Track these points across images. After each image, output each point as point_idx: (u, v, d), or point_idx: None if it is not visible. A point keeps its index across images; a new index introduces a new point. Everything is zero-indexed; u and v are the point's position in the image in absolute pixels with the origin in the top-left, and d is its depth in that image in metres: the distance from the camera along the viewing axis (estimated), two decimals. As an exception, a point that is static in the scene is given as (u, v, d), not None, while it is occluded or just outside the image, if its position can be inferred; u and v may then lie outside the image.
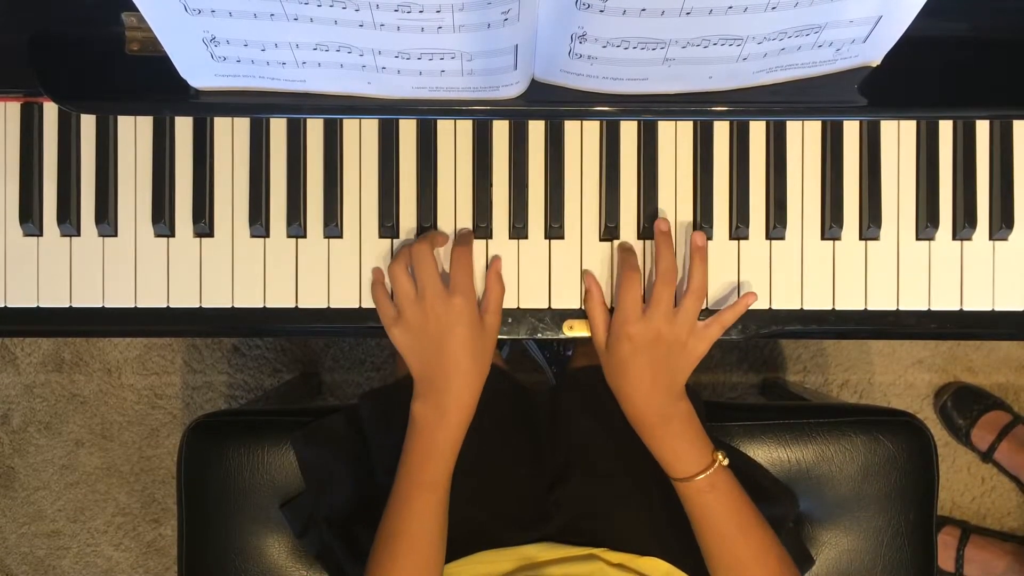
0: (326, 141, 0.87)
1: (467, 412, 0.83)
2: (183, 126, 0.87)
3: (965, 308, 0.89)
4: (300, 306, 0.88)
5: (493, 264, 0.86)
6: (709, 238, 0.88)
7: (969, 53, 0.85)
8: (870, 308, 0.88)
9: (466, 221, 0.88)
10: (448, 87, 0.80)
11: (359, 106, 0.82)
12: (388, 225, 0.87)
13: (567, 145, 0.88)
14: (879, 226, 0.88)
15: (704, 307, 0.88)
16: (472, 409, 0.83)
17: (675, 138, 0.88)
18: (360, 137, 0.88)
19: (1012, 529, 1.68)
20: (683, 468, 0.83)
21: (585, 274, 0.87)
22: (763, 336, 0.89)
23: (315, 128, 0.87)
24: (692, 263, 0.84)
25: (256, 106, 0.84)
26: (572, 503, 0.93)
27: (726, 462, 0.83)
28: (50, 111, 0.87)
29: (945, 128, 0.89)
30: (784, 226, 0.88)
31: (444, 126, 0.88)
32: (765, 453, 1.04)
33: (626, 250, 0.86)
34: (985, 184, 0.89)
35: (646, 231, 0.87)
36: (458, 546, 0.88)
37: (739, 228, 0.88)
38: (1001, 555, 1.57)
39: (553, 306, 0.88)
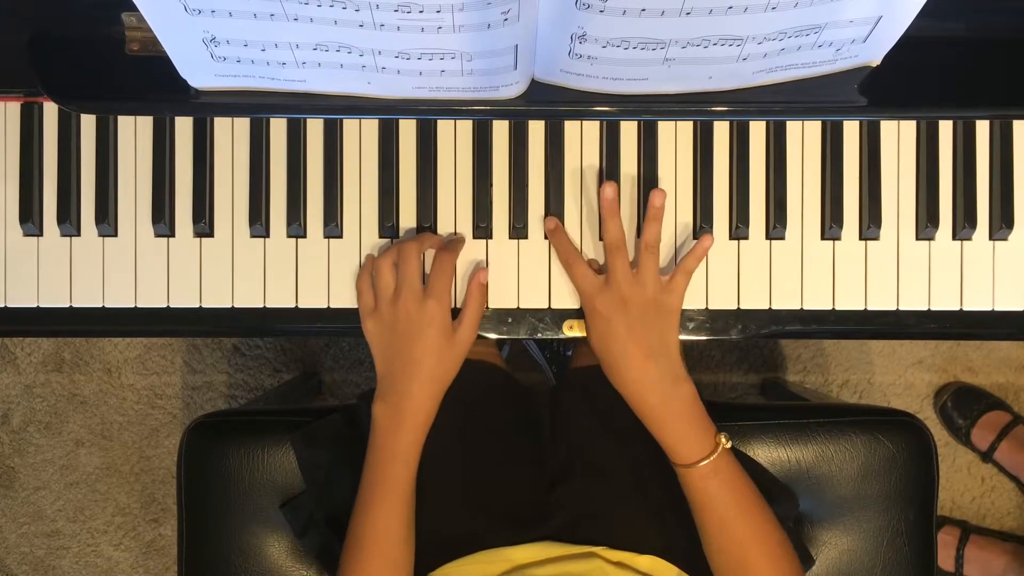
0: (326, 141, 0.87)
1: (424, 418, 0.83)
2: (183, 126, 0.87)
3: (965, 308, 0.89)
4: (300, 306, 0.88)
5: (476, 275, 0.85)
6: (709, 238, 0.88)
7: (969, 53, 0.85)
8: (870, 308, 0.88)
9: (466, 221, 0.88)
10: (448, 87, 0.80)
11: (359, 106, 0.83)
12: (388, 225, 0.87)
13: (567, 145, 0.88)
14: (879, 226, 0.88)
15: (704, 307, 0.88)
16: (430, 416, 0.83)
17: (675, 138, 0.88)
18: (360, 137, 0.88)
19: (1012, 529, 1.68)
20: (687, 453, 0.82)
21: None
22: (763, 336, 0.89)
23: (315, 128, 0.87)
24: (645, 223, 0.84)
25: (256, 106, 0.84)
26: (572, 502, 0.93)
27: (729, 445, 0.82)
28: (50, 111, 0.87)
29: (945, 128, 0.89)
30: (784, 226, 0.88)
31: (444, 126, 0.88)
32: (765, 453, 1.04)
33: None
34: (985, 184, 0.89)
35: (646, 231, 0.87)
36: (457, 547, 0.88)
37: (739, 228, 0.88)
38: (1000, 555, 1.57)
39: (553, 306, 0.88)
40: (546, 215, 0.88)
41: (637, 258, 0.84)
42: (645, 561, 0.88)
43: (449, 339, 0.82)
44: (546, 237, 0.88)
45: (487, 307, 0.87)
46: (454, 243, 0.85)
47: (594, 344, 0.84)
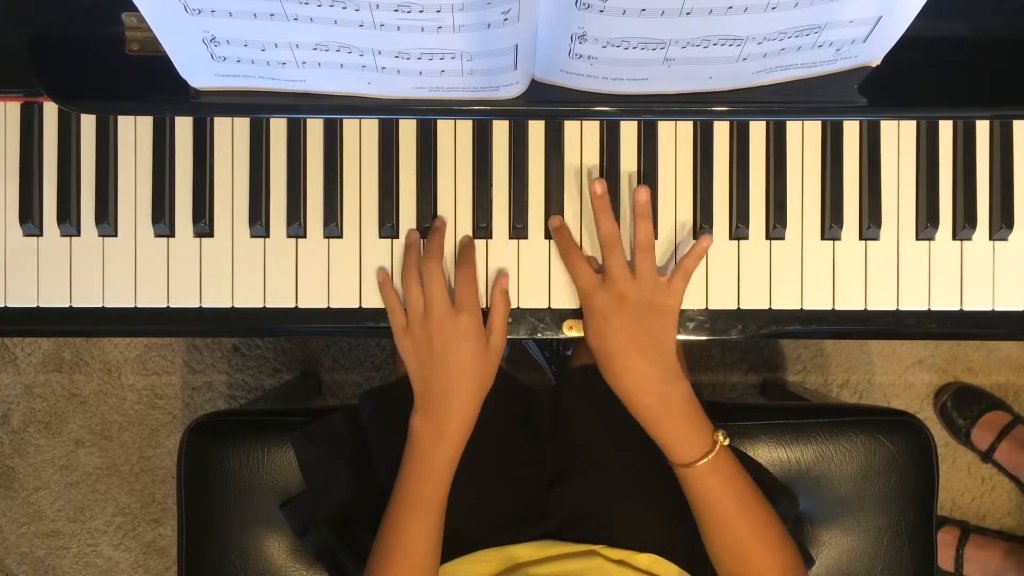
0: (326, 141, 0.87)
1: (465, 431, 0.84)
2: (183, 126, 0.87)
3: (965, 308, 0.89)
4: (300, 306, 0.88)
5: (499, 281, 0.86)
6: (709, 238, 0.88)
7: (969, 53, 0.85)
8: (870, 308, 0.88)
9: (466, 221, 0.88)
10: (448, 87, 0.80)
11: (359, 106, 0.83)
12: (388, 225, 0.87)
13: (567, 145, 0.88)
14: (879, 226, 0.88)
15: (704, 307, 0.88)
16: (470, 428, 0.84)
17: (675, 138, 0.88)
18: (360, 137, 0.88)
19: (1011, 529, 1.68)
20: (685, 453, 0.82)
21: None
22: (763, 336, 0.89)
23: (315, 128, 0.87)
24: (635, 222, 0.85)
25: (256, 106, 0.84)
26: (572, 501, 0.93)
27: (727, 442, 0.82)
28: (50, 111, 0.87)
29: (945, 128, 0.89)
30: (784, 226, 0.88)
31: (444, 126, 0.88)
32: (765, 453, 1.04)
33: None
34: (985, 184, 0.89)
35: (646, 231, 0.87)
36: (458, 546, 0.88)
37: (739, 228, 0.88)
38: (1000, 554, 1.57)
39: (553, 306, 0.88)
40: (546, 215, 0.88)
41: (633, 259, 0.84)
42: (645, 559, 0.89)
43: (484, 349, 0.83)
44: (547, 236, 0.88)
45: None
46: (468, 252, 0.86)
47: (591, 342, 0.84)
